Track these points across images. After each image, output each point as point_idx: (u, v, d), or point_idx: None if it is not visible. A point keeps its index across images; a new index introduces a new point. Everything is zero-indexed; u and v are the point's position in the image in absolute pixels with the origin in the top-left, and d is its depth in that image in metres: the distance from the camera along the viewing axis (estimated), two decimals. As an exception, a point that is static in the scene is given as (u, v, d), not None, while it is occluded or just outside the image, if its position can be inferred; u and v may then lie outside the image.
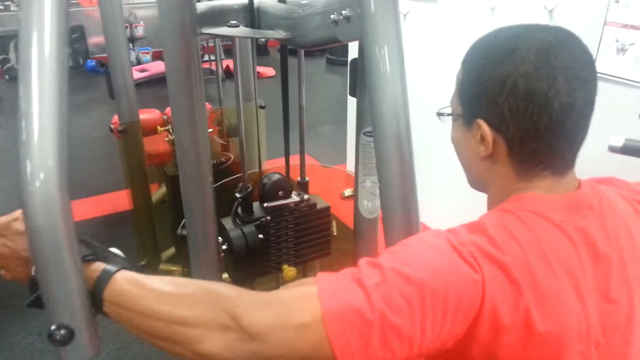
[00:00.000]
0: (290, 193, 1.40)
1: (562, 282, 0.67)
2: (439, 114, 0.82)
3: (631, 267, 0.74)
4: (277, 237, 1.40)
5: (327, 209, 1.45)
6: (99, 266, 0.72)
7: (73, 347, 0.70)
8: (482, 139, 0.73)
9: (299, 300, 0.64)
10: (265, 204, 1.36)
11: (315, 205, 1.42)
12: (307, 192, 1.45)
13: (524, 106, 0.67)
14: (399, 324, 0.60)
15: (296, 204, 1.39)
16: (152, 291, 0.68)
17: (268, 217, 1.35)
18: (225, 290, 0.67)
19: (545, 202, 0.72)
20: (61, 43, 0.70)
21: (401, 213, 0.90)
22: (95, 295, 0.70)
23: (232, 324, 0.63)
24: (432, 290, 0.62)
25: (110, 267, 0.71)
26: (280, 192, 1.37)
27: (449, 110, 0.81)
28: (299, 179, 1.48)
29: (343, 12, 0.90)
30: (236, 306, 0.64)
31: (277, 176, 1.39)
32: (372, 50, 0.86)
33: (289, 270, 1.44)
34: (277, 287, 1.53)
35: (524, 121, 0.68)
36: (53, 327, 0.68)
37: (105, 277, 0.70)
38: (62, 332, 0.68)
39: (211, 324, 0.64)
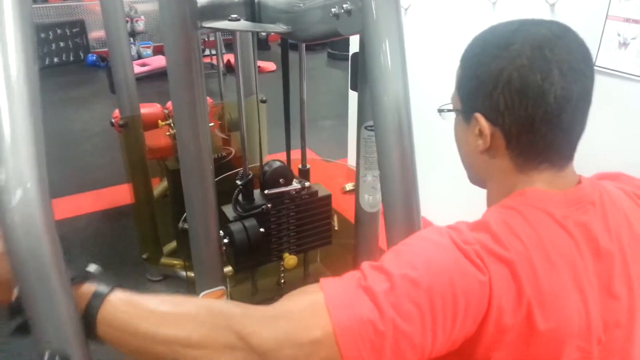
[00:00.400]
0: (291, 180, 1.39)
1: (563, 278, 0.67)
2: (440, 110, 0.82)
3: (632, 263, 0.74)
4: (278, 224, 1.39)
5: (328, 197, 1.45)
6: (89, 288, 0.66)
7: None
8: (480, 133, 0.73)
9: (307, 313, 0.62)
10: (266, 191, 1.35)
11: (316, 192, 1.42)
12: (308, 180, 1.44)
13: (519, 99, 0.68)
14: (411, 331, 0.60)
15: (297, 191, 1.38)
16: (152, 312, 0.65)
17: (269, 205, 1.35)
18: (229, 308, 0.65)
19: (547, 197, 0.72)
20: (26, 43, 0.64)
21: (402, 207, 0.91)
22: (87, 319, 0.65)
23: (240, 344, 0.61)
24: (441, 294, 0.61)
25: (103, 289, 0.66)
26: (281, 180, 1.36)
27: (450, 107, 0.81)
28: (300, 166, 1.47)
29: (344, 5, 0.90)
30: (243, 325, 0.62)
31: (277, 163, 1.38)
32: (373, 44, 0.86)
33: (290, 259, 1.44)
34: (279, 275, 1.53)
35: (519, 114, 0.68)
36: (46, 358, 0.62)
37: (97, 300, 0.65)
38: None
39: (218, 345, 0.62)
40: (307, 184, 1.40)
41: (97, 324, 0.65)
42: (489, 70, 0.69)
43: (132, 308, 0.65)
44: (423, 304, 0.60)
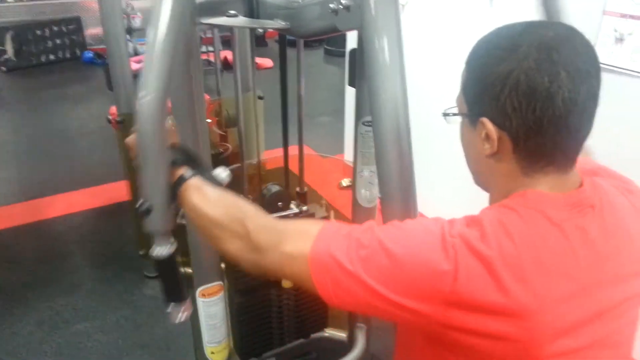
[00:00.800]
0: (289, 204, 1.41)
1: (553, 279, 0.68)
2: (445, 115, 0.83)
3: (628, 264, 0.75)
4: None
5: (326, 219, 1.46)
6: (181, 171, 0.93)
7: (150, 220, 0.95)
8: (487, 137, 0.73)
9: (298, 234, 0.79)
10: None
11: (313, 215, 1.43)
12: (305, 203, 1.46)
13: (527, 102, 0.68)
14: (368, 283, 0.70)
15: (295, 215, 1.39)
16: (207, 198, 0.89)
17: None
18: (249, 208, 0.86)
19: (548, 200, 0.72)
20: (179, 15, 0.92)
21: (400, 202, 0.91)
22: (172, 190, 0.92)
23: (245, 237, 0.81)
24: (404, 268, 0.69)
25: (188, 174, 0.92)
26: (280, 204, 1.38)
27: (455, 110, 0.81)
28: (297, 189, 1.49)
29: (342, 1, 0.90)
30: (252, 225, 0.82)
31: (276, 188, 1.40)
32: (372, 40, 0.86)
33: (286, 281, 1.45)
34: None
35: (527, 117, 0.68)
36: (139, 203, 0.93)
37: (181, 180, 0.91)
38: (144, 207, 0.92)
39: (233, 232, 0.83)
40: (304, 208, 1.41)
41: (177, 196, 0.92)
42: (495, 73, 0.69)
43: (197, 192, 0.90)
44: (385, 268, 0.70)
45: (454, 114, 0.81)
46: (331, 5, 0.92)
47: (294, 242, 0.78)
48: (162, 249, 0.99)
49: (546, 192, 0.73)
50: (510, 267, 0.66)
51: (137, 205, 0.93)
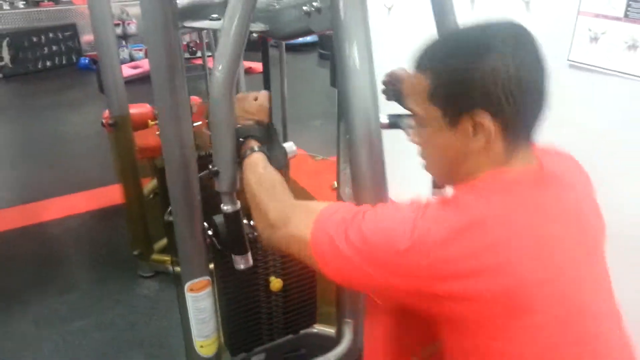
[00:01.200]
0: None
1: (515, 254, 0.73)
2: (408, 127, 0.87)
3: (587, 232, 0.83)
4: (264, 250, 1.43)
5: None
6: (249, 145, 1.07)
7: (217, 181, 1.09)
8: (476, 129, 0.77)
9: (304, 215, 0.87)
10: (251, 222, 1.39)
11: None
12: None
13: (517, 91, 0.75)
14: (359, 265, 0.78)
15: None
16: (254, 175, 1.01)
17: (255, 233, 1.38)
18: (279, 190, 0.97)
19: (515, 178, 0.79)
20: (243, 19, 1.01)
21: (372, 195, 0.95)
22: (240, 160, 1.07)
23: (264, 212, 0.93)
24: (373, 251, 0.77)
25: (254, 148, 1.06)
26: None
27: (413, 121, 0.85)
28: None
29: (314, 3, 0.94)
30: (271, 203, 0.94)
31: None
32: (342, 43, 0.90)
33: (276, 282, 1.48)
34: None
35: (516, 104, 0.75)
36: (211, 167, 1.09)
37: (247, 153, 1.05)
38: (213, 170, 1.08)
39: (259, 208, 0.96)
40: None
41: (242, 164, 1.06)
42: (479, 69, 0.74)
43: (251, 166, 1.03)
44: (362, 251, 0.78)
45: (420, 123, 0.84)
46: (304, 8, 0.97)
47: (298, 221, 0.87)
48: (227, 207, 1.13)
49: (516, 168, 0.79)
50: (484, 230, 0.73)
51: (209, 169, 1.10)
